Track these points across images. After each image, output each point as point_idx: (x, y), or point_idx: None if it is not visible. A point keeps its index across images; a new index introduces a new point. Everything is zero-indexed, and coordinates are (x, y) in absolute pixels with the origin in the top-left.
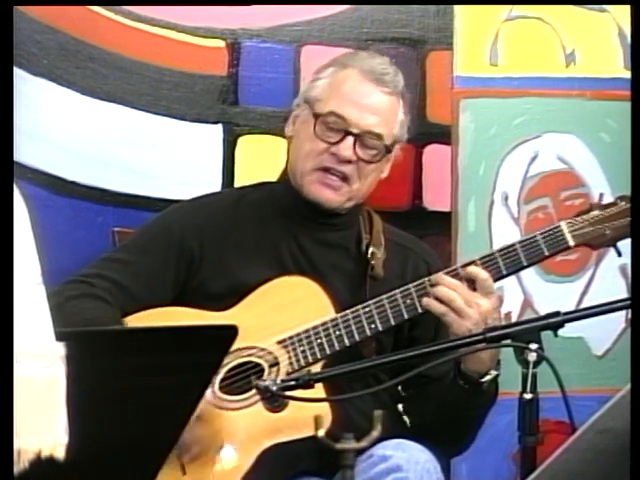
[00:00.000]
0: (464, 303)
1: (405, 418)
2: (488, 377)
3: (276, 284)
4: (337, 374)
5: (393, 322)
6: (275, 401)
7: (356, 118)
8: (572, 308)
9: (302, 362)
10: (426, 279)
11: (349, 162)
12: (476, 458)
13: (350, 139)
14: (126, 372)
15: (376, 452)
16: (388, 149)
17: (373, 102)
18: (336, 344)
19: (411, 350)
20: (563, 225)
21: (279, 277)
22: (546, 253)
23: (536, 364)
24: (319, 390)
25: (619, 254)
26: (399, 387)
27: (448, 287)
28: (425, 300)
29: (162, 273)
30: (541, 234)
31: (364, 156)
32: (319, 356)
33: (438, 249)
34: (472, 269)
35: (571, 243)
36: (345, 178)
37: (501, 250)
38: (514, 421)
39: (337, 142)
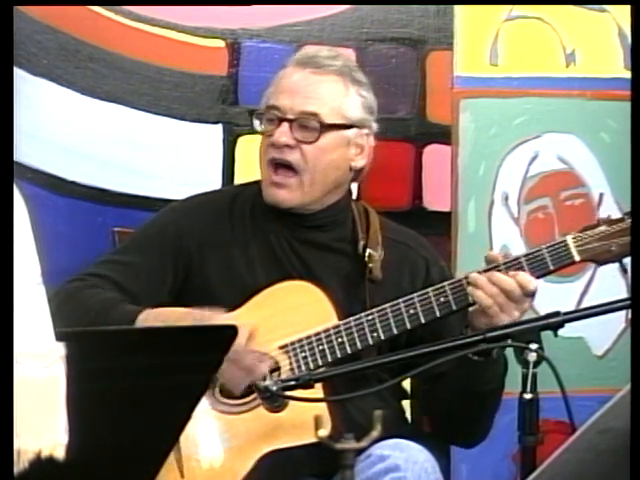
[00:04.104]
0: (506, 300)
1: (408, 416)
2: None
3: (279, 288)
4: (337, 374)
5: (396, 331)
6: (275, 401)
7: (290, 104)
8: (572, 308)
9: (303, 368)
10: (430, 289)
11: (290, 148)
12: (476, 458)
13: (285, 125)
14: (126, 372)
15: (374, 452)
16: (325, 125)
17: (305, 85)
18: (338, 352)
19: (411, 350)
20: (569, 240)
21: (281, 281)
22: (551, 267)
23: (536, 364)
24: (317, 392)
25: (625, 271)
26: (407, 386)
27: (492, 283)
28: (470, 289)
29: (159, 273)
30: (547, 248)
31: (302, 138)
32: (320, 363)
33: (438, 249)
34: (524, 278)
35: (577, 258)
36: (292, 168)
37: (506, 263)
38: (514, 421)
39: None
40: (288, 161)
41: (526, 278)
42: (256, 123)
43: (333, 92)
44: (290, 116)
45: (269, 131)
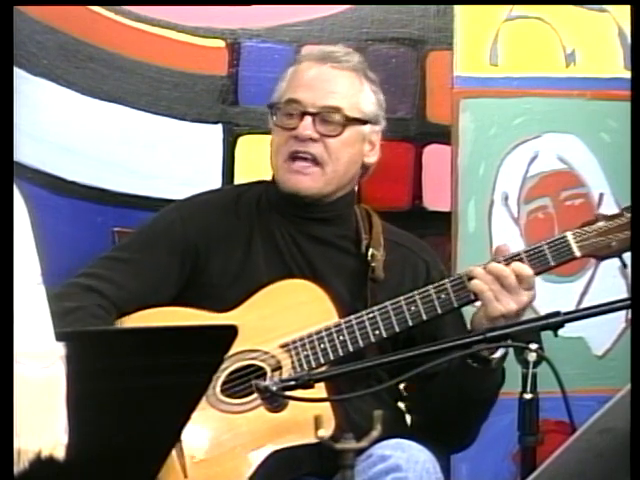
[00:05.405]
0: (500, 288)
1: (408, 417)
2: (497, 354)
3: (280, 286)
4: (337, 374)
5: (397, 329)
6: (275, 401)
7: (311, 98)
8: (572, 308)
9: (305, 367)
10: (431, 286)
11: (313, 141)
12: (476, 458)
13: (308, 118)
14: (126, 372)
15: (375, 452)
16: (348, 119)
17: (325, 79)
18: (340, 350)
19: (411, 350)
20: (569, 235)
21: (282, 279)
22: (552, 263)
23: (536, 364)
24: (319, 390)
25: (625, 265)
26: (401, 386)
27: (487, 272)
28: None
29: (166, 271)
30: (547, 244)
31: (326, 132)
32: (322, 361)
33: (438, 249)
34: (518, 265)
35: (577, 254)
36: (315, 160)
37: (507, 258)
38: (514, 421)
39: (297, 125)
40: (312, 154)
41: (520, 265)
42: (272, 117)
43: (351, 87)
44: (312, 110)
45: (290, 125)
